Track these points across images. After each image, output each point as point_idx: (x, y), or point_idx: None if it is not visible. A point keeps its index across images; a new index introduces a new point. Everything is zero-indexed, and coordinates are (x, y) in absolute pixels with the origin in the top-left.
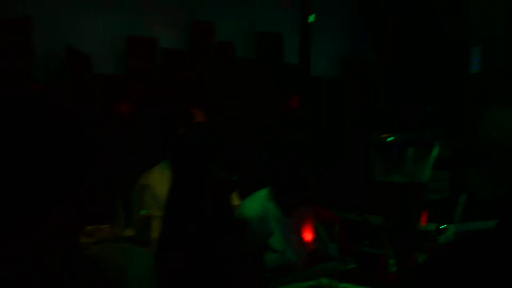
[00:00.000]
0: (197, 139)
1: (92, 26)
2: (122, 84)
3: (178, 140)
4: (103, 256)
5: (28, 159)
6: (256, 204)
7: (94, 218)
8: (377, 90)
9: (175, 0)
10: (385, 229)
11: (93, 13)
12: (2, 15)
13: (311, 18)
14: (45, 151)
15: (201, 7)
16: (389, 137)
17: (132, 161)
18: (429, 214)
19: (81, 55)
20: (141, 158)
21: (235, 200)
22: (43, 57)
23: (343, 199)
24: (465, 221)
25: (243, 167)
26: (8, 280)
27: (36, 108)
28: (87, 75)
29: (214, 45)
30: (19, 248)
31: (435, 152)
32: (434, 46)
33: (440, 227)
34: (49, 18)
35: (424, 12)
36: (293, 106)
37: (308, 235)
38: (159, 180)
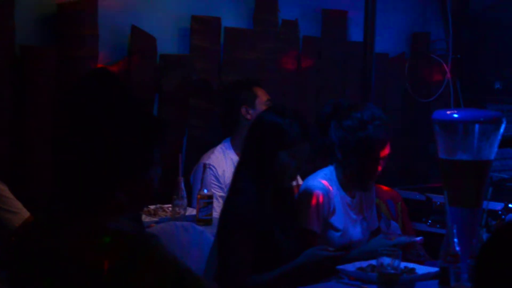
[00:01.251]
0: (275, 120)
1: (156, 5)
2: (186, 63)
3: (257, 119)
4: (165, 234)
5: (101, 138)
6: (319, 182)
7: (156, 198)
8: (443, 67)
9: None
10: (448, 208)
11: None
12: None
13: None
14: (119, 131)
15: None
16: (454, 113)
17: (194, 141)
18: (496, 192)
19: (145, 35)
20: (203, 138)
21: (297, 179)
22: (108, 37)
23: (405, 177)
24: None
25: (308, 147)
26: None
27: (111, 89)
28: (151, 54)
29: (278, 23)
30: (87, 219)
31: (502, 128)
32: (504, 18)
33: (508, 206)
34: None
35: None
36: (356, 83)
37: (370, 214)
38: (221, 160)
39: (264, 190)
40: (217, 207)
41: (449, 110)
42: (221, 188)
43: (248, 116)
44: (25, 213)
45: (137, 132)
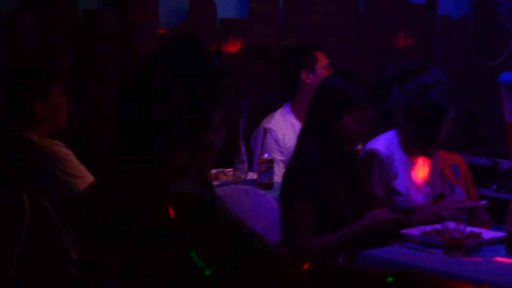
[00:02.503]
0: (340, 84)
1: None
2: (245, 28)
3: (322, 82)
4: (227, 197)
5: (163, 98)
6: (381, 146)
7: (218, 161)
8: (509, 29)
9: None
10: None
11: None
12: None
13: None
14: (181, 91)
15: None
16: None
17: (253, 106)
18: None
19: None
20: (263, 102)
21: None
22: (167, 1)
23: (469, 142)
24: None
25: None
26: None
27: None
28: (211, 18)
29: None
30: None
31: None
32: None
33: None
34: None
35: None
36: (418, 46)
37: (434, 179)
38: (281, 124)
39: (327, 154)
40: (278, 171)
41: None
42: (281, 152)
43: (308, 81)
44: (89, 177)
45: (198, 92)
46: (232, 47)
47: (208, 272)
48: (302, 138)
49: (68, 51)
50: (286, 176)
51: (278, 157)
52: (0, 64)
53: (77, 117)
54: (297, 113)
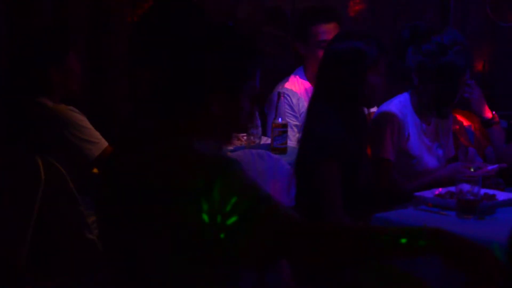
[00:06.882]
0: (355, 45)
1: None
2: None
3: (331, 49)
4: (241, 161)
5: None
6: (394, 108)
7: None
8: None
9: None
10: None
11: None
12: None
13: None
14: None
15: None
16: None
17: (267, 70)
18: None
19: None
20: (277, 66)
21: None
22: None
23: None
24: None
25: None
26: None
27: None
28: None
29: None
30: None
31: None
32: None
33: None
34: None
35: None
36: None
37: (447, 141)
38: (295, 88)
39: (346, 118)
40: (292, 136)
41: None
42: (295, 117)
43: (322, 45)
44: (104, 143)
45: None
46: (246, 10)
47: (222, 235)
48: (315, 103)
49: (82, 12)
50: (308, 141)
51: (292, 121)
52: (15, 28)
53: (90, 82)
54: (310, 78)
